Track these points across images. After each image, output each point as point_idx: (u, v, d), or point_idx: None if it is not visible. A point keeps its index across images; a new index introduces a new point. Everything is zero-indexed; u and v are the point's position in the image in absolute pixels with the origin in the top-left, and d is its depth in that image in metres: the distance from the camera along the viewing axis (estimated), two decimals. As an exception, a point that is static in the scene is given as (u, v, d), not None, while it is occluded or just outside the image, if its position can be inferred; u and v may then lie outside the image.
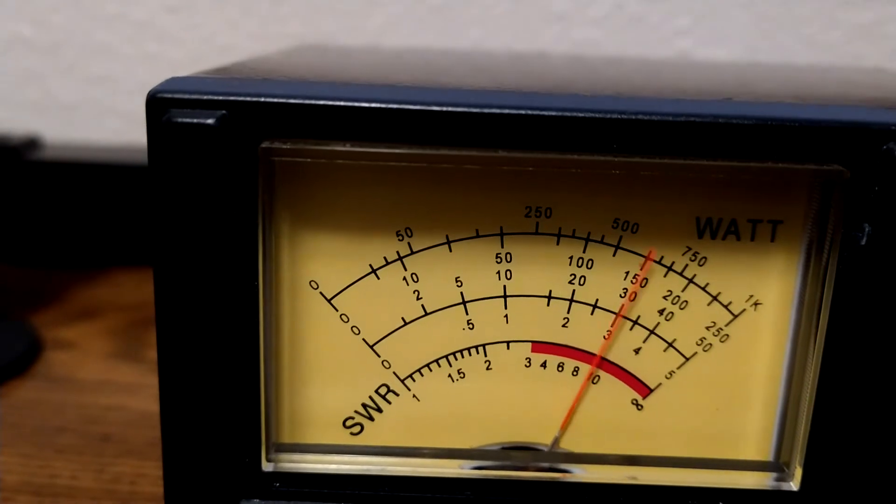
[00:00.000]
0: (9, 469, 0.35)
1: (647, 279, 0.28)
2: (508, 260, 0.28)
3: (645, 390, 0.29)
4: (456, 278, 0.28)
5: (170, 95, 0.25)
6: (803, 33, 0.59)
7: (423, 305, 0.28)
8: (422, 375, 0.29)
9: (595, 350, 0.29)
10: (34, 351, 0.45)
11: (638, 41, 0.60)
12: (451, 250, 0.28)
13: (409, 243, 0.28)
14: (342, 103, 0.25)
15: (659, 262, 0.28)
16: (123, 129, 0.63)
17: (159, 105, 0.25)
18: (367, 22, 0.61)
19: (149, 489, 0.34)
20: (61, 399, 0.41)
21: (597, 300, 0.28)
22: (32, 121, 0.63)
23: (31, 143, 0.57)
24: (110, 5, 0.62)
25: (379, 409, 0.29)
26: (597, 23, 0.60)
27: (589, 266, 0.28)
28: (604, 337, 0.29)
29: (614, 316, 0.28)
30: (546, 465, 0.29)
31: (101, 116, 0.64)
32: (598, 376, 0.29)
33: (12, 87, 0.64)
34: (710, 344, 0.29)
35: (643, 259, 0.28)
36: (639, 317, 0.28)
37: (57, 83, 0.64)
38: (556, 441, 0.30)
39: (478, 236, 0.28)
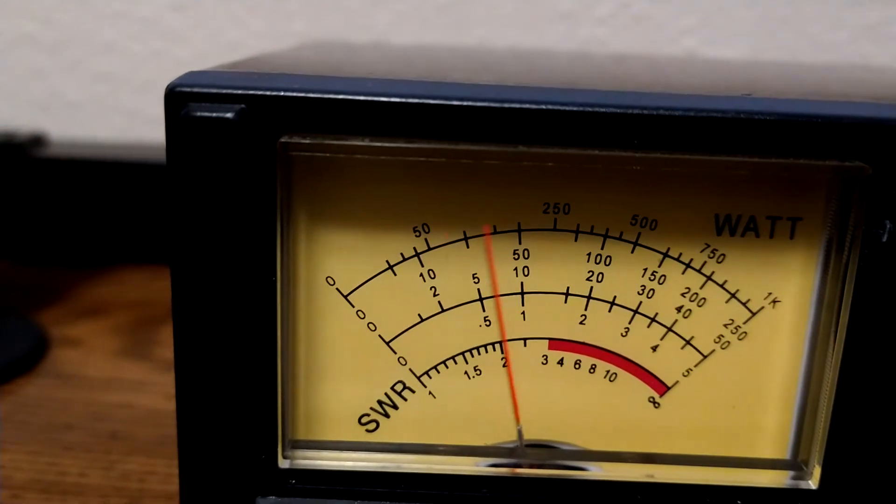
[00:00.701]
0: (17, 466, 0.35)
1: (664, 276, 0.28)
2: (526, 256, 0.28)
3: (662, 388, 0.29)
4: (473, 275, 0.28)
5: (189, 89, 0.25)
6: (809, 33, 0.59)
7: (439, 302, 0.28)
8: (438, 372, 0.29)
9: (616, 349, 0.29)
10: (41, 348, 0.45)
11: (644, 40, 0.60)
12: (468, 246, 0.28)
13: (426, 239, 0.28)
14: (362, 98, 0.25)
15: (677, 259, 0.28)
16: (129, 127, 0.63)
17: (178, 99, 0.25)
18: (374, 20, 0.61)
19: (158, 486, 0.34)
20: (69, 396, 0.41)
21: (615, 297, 0.28)
22: (38, 118, 0.63)
23: (37, 141, 0.57)
24: (116, 3, 0.62)
25: (395, 406, 0.29)
26: (603, 21, 0.60)
27: (607, 263, 0.28)
28: (621, 335, 0.29)
29: (632, 313, 0.28)
30: (562, 462, 0.29)
31: (106, 114, 0.64)
32: (616, 374, 0.29)
33: (18, 85, 0.64)
34: (728, 342, 0.28)
35: (661, 256, 0.28)
36: (656, 314, 0.28)
37: (62, 80, 0.63)
38: (521, 433, 0.29)
39: (495, 232, 0.28)
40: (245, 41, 0.62)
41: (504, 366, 0.29)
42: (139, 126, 0.63)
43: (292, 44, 0.48)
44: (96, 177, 0.56)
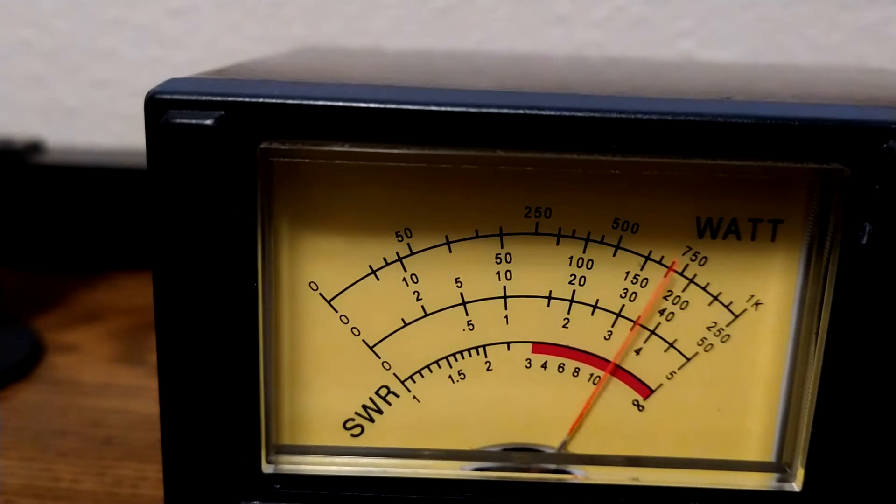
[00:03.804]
0: (11, 472, 0.35)
1: (647, 279, 0.28)
2: (508, 260, 0.28)
3: (646, 391, 0.29)
4: (456, 279, 0.28)
5: (168, 96, 0.25)
6: (805, 35, 0.59)
7: (423, 306, 0.28)
8: (422, 377, 0.29)
9: (599, 352, 0.29)
10: (36, 354, 0.45)
11: (640, 43, 0.60)
12: (450, 251, 0.28)
13: (408, 244, 0.28)
14: (340, 104, 0.25)
15: (659, 262, 0.28)
16: (126, 133, 0.64)
17: (158, 106, 0.25)
18: (370, 24, 0.61)
19: (150, 492, 0.34)
20: (63, 402, 0.41)
21: (597, 300, 0.28)
22: (35, 125, 0.64)
23: (34, 147, 0.57)
24: (113, 9, 0.62)
25: (379, 411, 0.29)
26: (598, 25, 0.60)
27: (589, 266, 0.28)
28: (604, 338, 0.29)
29: (614, 316, 0.28)
30: (547, 466, 0.29)
31: (103, 120, 0.64)
32: (599, 377, 0.29)
33: (15, 91, 0.64)
34: (711, 344, 0.28)
35: (643, 259, 0.28)
36: (639, 317, 0.28)
37: (60, 87, 0.64)
38: (565, 444, 0.29)
39: (477, 237, 0.28)
40: (242, 47, 0.62)
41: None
42: (136, 132, 0.63)
43: (288, 49, 0.48)
44: (93, 183, 0.56)
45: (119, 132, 0.64)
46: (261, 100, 0.25)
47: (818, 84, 0.35)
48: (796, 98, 0.28)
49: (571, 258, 0.28)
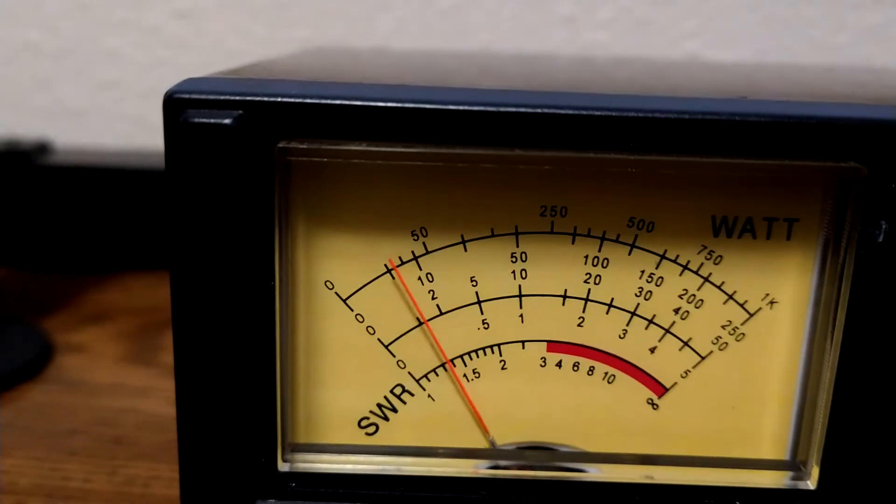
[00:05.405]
0: (21, 472, 0.35)
1: (662, 278, 0.28)
2: (524, 259, 0.28)
3: (660, 389, 0.29)
4: (471, 278, 0.28)
5: (187, 96, 0.25)
6: (811, 35, 0.59)
7: (438, 305, 0.28)
8: (437, 375, 0.29)
9: (614, 350, 0.29)
10: (46, 355, 0.45)
11: (645, 44, 0.60)
12: (466, 250, 0.28)
13: (424, 243, 0.28)
14: (358, 103, 0.25)
15: (674, 261, 0.28)
16: (133, 134, 0.64)
17: (176, 105, 0.25)
18: (375, 26, 0.61)
19: (161, 491, 0.34)
20: (73, 402, 0.41)
21: (612, 299, 0.28)
22: (42, 126, 0.64)
23: (41, 148, 0.57)
24: (120, 11, 0.62)
25: (394, 409, 0.29)
26: (604, 26, 0.60)
27: (604, 265, 0.28)
28: (619, 336, 0.29)
29: (629, 315, 0.28)
30: (562, 464, 0.29)
31: (110, 121, 0.64)
32: (614, 375, 0.29)
33: (22, 93, 0.64)
34: (726, 343, 0.29)
35: (658, 258, 0.28)
36: (654, 316, 0.28)
37: (67, 88, 0.64)
38: (493, 442, 0.29)
39: (493, 236, 0.28)
40: (248, 48, 0.62)
41: (463, 379, 0.29)
42: (143, 133, 0.63)
43: (296, 50, 0.48)
44: (101, 184, 0.56)
45: (126, 133, 0.64)
46: (279, 99, 0.25)
47: (828, 83, 0.36)
48: (810, 97, 0.28)
49: (587, 257, 0.28)
